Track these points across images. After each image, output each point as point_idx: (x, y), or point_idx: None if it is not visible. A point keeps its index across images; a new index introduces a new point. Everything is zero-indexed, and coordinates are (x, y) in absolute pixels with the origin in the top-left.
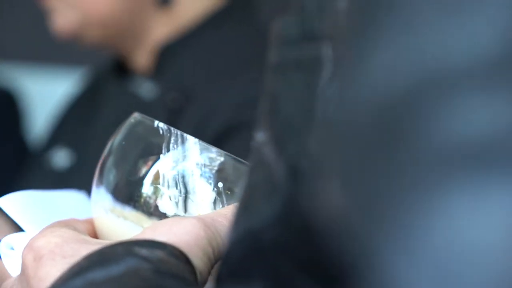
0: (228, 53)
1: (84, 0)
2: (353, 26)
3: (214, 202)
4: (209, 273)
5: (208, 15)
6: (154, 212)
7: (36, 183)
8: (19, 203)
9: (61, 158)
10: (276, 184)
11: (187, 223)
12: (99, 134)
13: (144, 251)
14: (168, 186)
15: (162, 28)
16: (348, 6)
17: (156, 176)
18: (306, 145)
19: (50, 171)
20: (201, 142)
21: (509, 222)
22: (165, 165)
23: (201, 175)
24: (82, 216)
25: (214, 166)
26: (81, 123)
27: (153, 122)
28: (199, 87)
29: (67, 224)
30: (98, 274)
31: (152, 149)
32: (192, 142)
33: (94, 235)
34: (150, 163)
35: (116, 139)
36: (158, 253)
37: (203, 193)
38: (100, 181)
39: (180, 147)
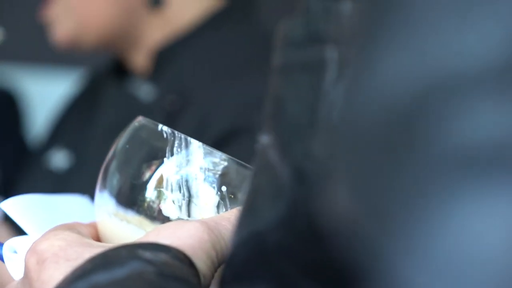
0: (227, 55)
1: (81, 7)
2: (362, 29)
3: (218, 206)
4: (212, 276)
5: (206, 17)
6: (157, 216)
7: (34, 184)
8: (22, 206)
9: (60, 159)
10: (280, 187)
11: (191, 226)
12: (98, 136)
13: (148, 254)
14: (172, 190)
15: (158, 30)
16: (356, 8)
17: (160, 180)
18: (311, 148)
19: (49, 172)
20: (205, 145)
21: None
22: (169, 169)
23: (204, 179)
24: (85, 220)
25: (218, 170)
26: (80, 124)
27: (157, 125)
28: (198, 89)
29: (70, 227)
30: (102, 277)
31: (156, 153)
32: (196, 146)
33: (97, 238)
34: (154, 167)
35: (120, 143)
36: (162, 256)
37: (207, 197)
38: (104, 185)
39: (184, 151)
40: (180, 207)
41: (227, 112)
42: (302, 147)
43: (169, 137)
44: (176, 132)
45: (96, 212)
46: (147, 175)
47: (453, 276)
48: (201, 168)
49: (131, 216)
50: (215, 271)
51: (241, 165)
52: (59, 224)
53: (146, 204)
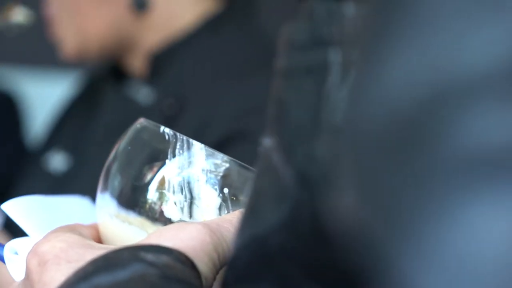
0: (226, 58)
1: (81, 20)
2: (367, 32)
3: (220, 208)
4: (214, 278)
5: (204, 20)
6: (159, 218)
7: (32, 186)
8: (23, 208)
9: (58, 161)
10: (283, 189)
11: (193, 228)
12: (96, 138)
13: (150, 256)
14: (174, 192)
15: (152, 34)
16: (361, 11)
17: (162, 182)
18: (315, 151)
19: (47, 174)
20: (207, 147)
21: None
22: (171, 170)
23: (206, 181)
24: (86, 221)
25: (220, 172)
26: (79, 126)
27: (159, 127)
28: (196, 93)
29: (72, 229)
30: (104, 279)
31: (158, 154)
32: (198, 147)
33: (99, 240)
34: (155, 168)
35: (122, 144)
36: (164, 258)
37: (209, 199)
38: (105, 187)
39: (185, 153)
40: (182, 209)
41: (225, 116)
42: (306, 149)
43: (171, 138)
44: (178, 133)
45: (97, 214)
46: (148, 176)
47: (463, 280)
48: (203, 170)
49: (133, 217)
50: (217, 273)
51: (243, 167)
52: (61, 226)
53: (147, 206)
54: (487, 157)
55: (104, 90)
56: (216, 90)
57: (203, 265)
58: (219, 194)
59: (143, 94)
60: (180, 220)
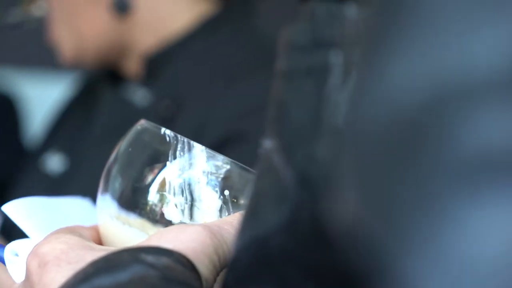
0: (222, 60)
1: (77, 23)
2: (369, 33)
3: (220, 210)
4: (214, 280)
5: (201, 22)
6: (159, 220)
7: (29, 187)
8: (23, 209)
9: (54, 162)
10: (284, 191)
11: (193, 230)
12: (93, 140)
13: (150, 258)
14: (174, 194)
15: (143, 37)
16: (363, 13)
17: (162, 184)
18: (315, 152)
19: (44, 175)
20: (207, 149)
21: None
22: (172, 172)
23: (207, 182)
24: (87, 222)
25: (220, 174)
26: (76, 128)
27: (160, 129)
28: (193, 94)
29: (72, 230)
30: (104, 281)
31: (159, 156)
32: (199, 149)
33: (99, 242)
34: (156, 170)
35: (122, 146)
36: (164, 260)
37: (209, 201)
38: (106, 188)
39: (186, 155)
40: (182, 210)
41: (222, 118)
42: (306, 151)
43: (171, 140)
44: (178, 135)
45: (98, 215)
46: (149, 178)
47: (465, 281)
48: (203, 172)
49: (133, 219)
50: (217, 275)
51: (244, 168)
52: (61, 227)
53: (148, 208)
54: (489, 159)
55: (101, 92)
56: (213, 91)
57: (204, 267)
58: (219, 196)
59: (140, 96)
60: (181, 222)
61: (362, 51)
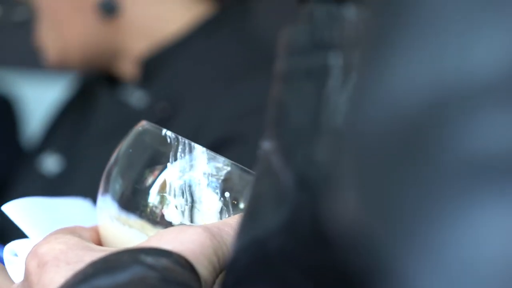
0: (219, 62)
1: (61, 26)
2: (370, 35)
3: (220, 212)
4: (214, 282)
5: (198, 24)
6: (160, 221)
7: (26, 187)
8: (23, 209)
9: (51, 163)
10: (283, 192)
11: (193, 231)
12: (90, 141)
13: (149, 259)
14: (175, 195)
15: (136, 40)
16: (363, 14)
17: (163, 185)
18: (315, 154)
19: (40, 176)
20: (208, 151)
21: None
22: (172, 174)
23: (208, 184)
24: (87, 223)
25: (221, 176)
26: (72, 129)
27: (161, 130)
28: (190, 96)
29: (72, 231)
30: (104, 281)
31: (160, 157)
32: (199, 151)
33: (99, 243)
34: (157, 172)
35: (123, 147)
36: (164, 261)
37: (210, 203)
38: (106, 189)
39: (187, 156)
40: (182, 212)
41: (219, 119)
42: (306, 153)
43: (173, 141)
44: (180, 137)
45: (98, 216)
46: (150, 179)
47: (465, 282)
48: (204, 174)
49: (133, 220)
50: (217, 277)
51: (244, 170)
52: (60, 228)
53: (148, 209)
54: (490, 160)
55: (98, 93)
56: (210, 92)
57: (203, 268)
58: (220, 198)
59: (136, 97)
60: (181, 224)
61: (362, 52)
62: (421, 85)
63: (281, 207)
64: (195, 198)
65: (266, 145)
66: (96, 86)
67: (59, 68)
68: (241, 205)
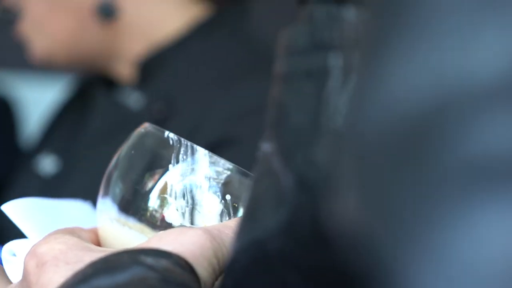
0: (216, 64)
1: (46, 24)
2: (370, 36)
3: (221, 214)
4: (213, 283)
5: (195, 25)
6: (160, 225)
7: (22, 187)
8: (23, 209)
9: (48, 164)
10: (282, 194)
11: (193, 233)
12: (87, 143)
13: (149, 260)
14: (176, 197)
15: (133, 42)
16: (364, 15)
17: (164, 187)
18: (314, 155)
19: (37, 177)
20: (210, 153)
21: None
22: (174, 176)
23: (209, 187)
24: (86, 225)
25: (222, 179)
26: (69, 130)
27: (163, 132)
28: (187, 97)
29: (71, 231)
30: (103, 282)
31: (161, 160)
32: (202, 153)
33: (98, 244)
34: (159, 174)
35: (125, 148)
36: (164, 262)
37: (210, 205)
38: (106, 192)
39: (189, 159)
40: (183, 214)
41: (216, 121)
42: (306, 153)
43: (175, 144)
44: (182, 139)
45: (98, 218)
46: (151, 181)
47: (465, 283)
48: (206, 176)
49: (133, 223)
50: (216, 279)
51: (246, 173)
52: (60, 228)
53: (149, 213)
54: (490, 161)
55: (95, 95)
56: (206, 94)
57: (203, 269)
58: (221, 201)
59: (133, 99)
60: (181, 225)
61: (362, 53)
62: (421, 86)
63: (280, 208)
64: (196, 200)
65: (266, 146)
66: (93, 87)
67: (42, 63)
68: (242, 208)
